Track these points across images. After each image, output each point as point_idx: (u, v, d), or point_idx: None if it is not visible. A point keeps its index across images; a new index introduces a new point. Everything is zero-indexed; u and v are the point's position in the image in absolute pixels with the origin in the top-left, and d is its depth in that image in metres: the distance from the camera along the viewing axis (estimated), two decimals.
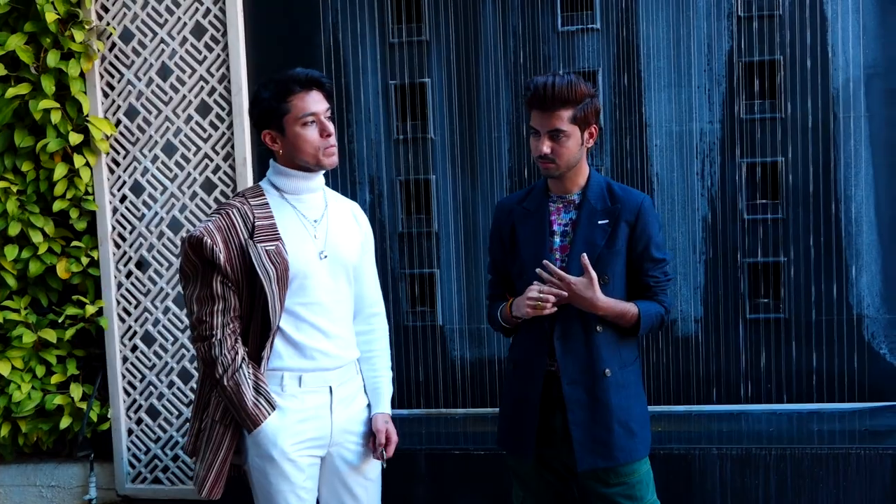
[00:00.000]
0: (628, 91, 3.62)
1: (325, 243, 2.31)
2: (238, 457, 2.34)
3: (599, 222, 2.39)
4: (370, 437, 2.42)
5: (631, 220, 2.40)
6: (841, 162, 3.52)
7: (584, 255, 2.30)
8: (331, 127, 2.27)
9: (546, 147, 2.33)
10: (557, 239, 2.43)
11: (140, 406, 3.88)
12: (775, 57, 3.54)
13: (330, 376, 2.32)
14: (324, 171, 2.36)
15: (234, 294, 2.23)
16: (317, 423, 2.30)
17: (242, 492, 2.42)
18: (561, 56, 3.66)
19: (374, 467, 2.45)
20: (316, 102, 2.26)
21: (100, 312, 3.85)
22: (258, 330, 2.26)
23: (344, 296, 2.37)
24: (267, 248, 2.22)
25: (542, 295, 2.29)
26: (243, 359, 2.22)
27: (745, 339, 3.62)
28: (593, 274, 2.29)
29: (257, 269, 2.20)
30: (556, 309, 2.31)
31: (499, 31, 3.69)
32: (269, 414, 2.23)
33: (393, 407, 2.55)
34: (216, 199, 3.74)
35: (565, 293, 2.29)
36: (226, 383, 2.20)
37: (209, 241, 2.19)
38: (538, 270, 2.31)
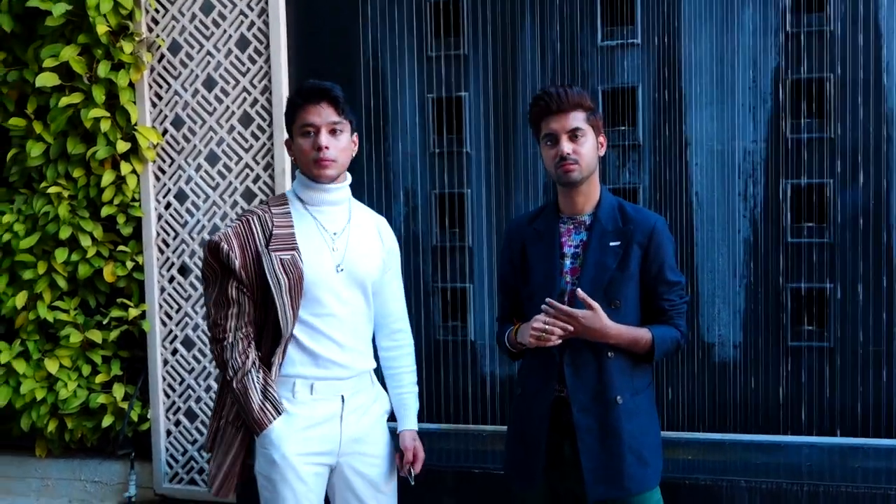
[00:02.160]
0: (669, 108, 3.52)
1: (342, 257, 2.32)
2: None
3: (611, 244, 2.32)
4: (390, 450, 2.43)
5: (643, 241, 2.33)
6: (893, 185, 3.34)
7: (579, 290, 2.25)
8: (325, 140, 2.27)
9: (568, 146, 2.29)
10: (568, 261, 2.37)
11: (178, 408, 3.97)
12: (825, 74, 3.38)
13: (343, 385, 2.33)
14: (342, 185, 2.37)
15: (249, 300, 2.27)
16: (325, 431, 2.31)
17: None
18: (600, 71, 3.59)
19: (389, 481, 2.44)
20: (317, 114, 2.27)
21: (143, 316, 3.96)
22: (270, 336, 2.30)
23: (360, 309, 2.38)
24: (282, 256, 2.24)
25: (546, 326, 2.24)
26: (253, 363, 2.25)
27: (786, 368, 3.47)
28: (594, 304, 2.23)
29: (268, 277, 2.23)
30: (560, 341, 2.26)
31: (537, 46, 3.64)
32: (274, 419, 2.25)
33: (421, 421, 2.55)
34: None
35: (571, 328, 2.23)
36: (235, 386, 2.25)
37: (226, 246, 2.24)
38: (543, 307, 2.25)
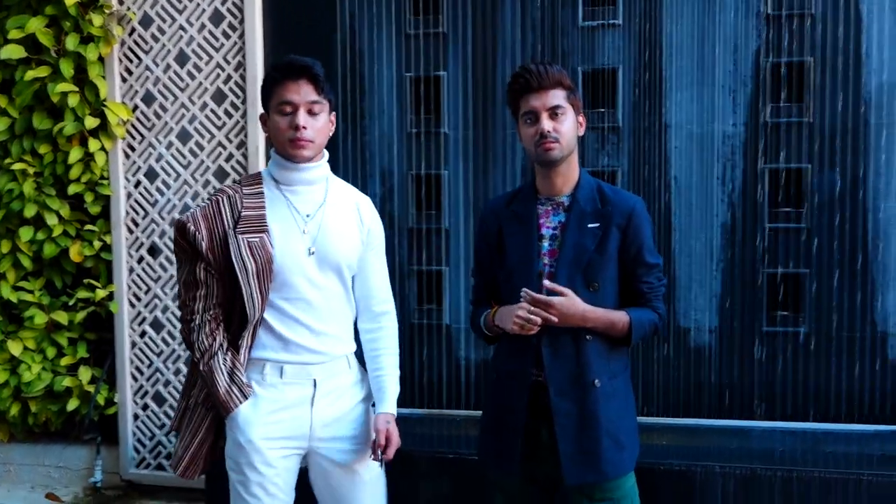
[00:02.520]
0: (649, 90, 3.50)
1: (314, 239, 2.24)
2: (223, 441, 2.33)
3: (589, 226, 2.28)
4: (367, 436, 2.34)
5: (622, 223, 2.29)
6: (871, 171, 3.34)
7: (546, 281, 2.22)
8: (303, 120, 2.19)
9: (548, 124, 2.24)
10: (546, 243, 2.32)
11: (146, 392, 3.89)
12: (805, 58, 3.37)
13: (315, 370, 2.26)
14: (318, 164, 2.28)
15: (218, 282, 2.20)
16: (295, 414, 2.24)
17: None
18: (580, 52, 3.55)
19: (369, 467, 2.35)
20: (296, 92, 2.18)
21: (111, 297, 3.87)
22: (238, 318, 2.23)
23: (335, 293, 2.29)
24: (250, 239, 2.17)
25: (530, 316, 2.19)
26: (221, 345, 2.20)
27: (761, 353, 3.46)
28: (566, 290, 2.20)
29: (234, 260, 2.16)
30: (539, 329, 2.22)
31: (518, 25, 3.59)
32: (240, 403, 2.20)
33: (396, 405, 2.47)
34: None
35: (555, 318, 2.19)
36: (202, 368, 2.20)
37: (192, 227, 2.17)
38: (522, 295, 2.21)
